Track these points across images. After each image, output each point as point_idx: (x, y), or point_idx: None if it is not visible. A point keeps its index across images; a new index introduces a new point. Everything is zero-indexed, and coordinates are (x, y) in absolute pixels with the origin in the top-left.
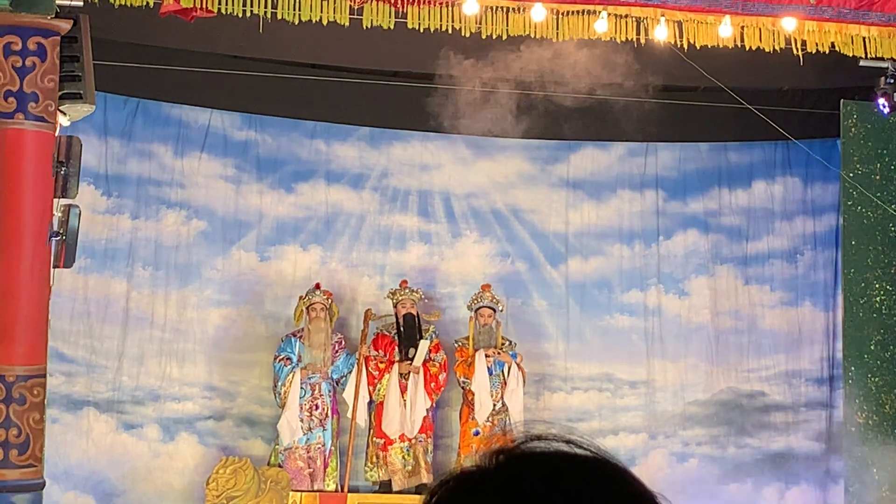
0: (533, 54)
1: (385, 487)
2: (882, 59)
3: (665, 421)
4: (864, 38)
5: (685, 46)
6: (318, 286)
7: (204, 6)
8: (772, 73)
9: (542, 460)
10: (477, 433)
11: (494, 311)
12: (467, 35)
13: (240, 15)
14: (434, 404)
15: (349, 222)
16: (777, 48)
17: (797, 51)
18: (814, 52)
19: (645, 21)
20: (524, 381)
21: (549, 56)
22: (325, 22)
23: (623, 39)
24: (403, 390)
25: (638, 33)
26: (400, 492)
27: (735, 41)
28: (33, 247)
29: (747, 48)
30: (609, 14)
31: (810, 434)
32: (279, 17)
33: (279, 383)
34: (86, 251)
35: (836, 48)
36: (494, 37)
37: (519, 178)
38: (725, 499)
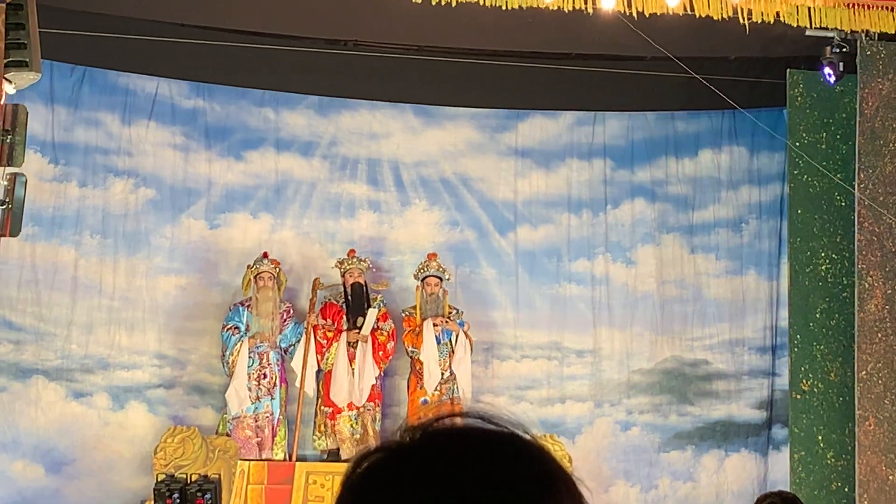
0: (481, 22)
1: (333, 456)
2: (828, 28)
3: (610, 389)
4: (808, 9)
5: (634, 15)
6: (265, 255)
7: None
8: (719, 42)
9: (454, 437)
10: (425, 402)
11: (441, 280)
12: (419, 1)
13: None
14: (382, 373)
15: (299, 190)
16: (725, 16)
17: (743, 20)
18: (760, 21)
19: None
20: (472, 350)
21: (497, 24)
22: None
23: (570, 8)
24: (351, 359)
25: (586, 2)
26: (348, 460)
27: (685, 8)
28: None
29: (696, 16)
30: None
31: (752, 402)
32: None
33: (227, 352)
34: (33, 218)
35: (781, 18)
36: (443, 3)
37: (468, 147)
38: (665, 466)
